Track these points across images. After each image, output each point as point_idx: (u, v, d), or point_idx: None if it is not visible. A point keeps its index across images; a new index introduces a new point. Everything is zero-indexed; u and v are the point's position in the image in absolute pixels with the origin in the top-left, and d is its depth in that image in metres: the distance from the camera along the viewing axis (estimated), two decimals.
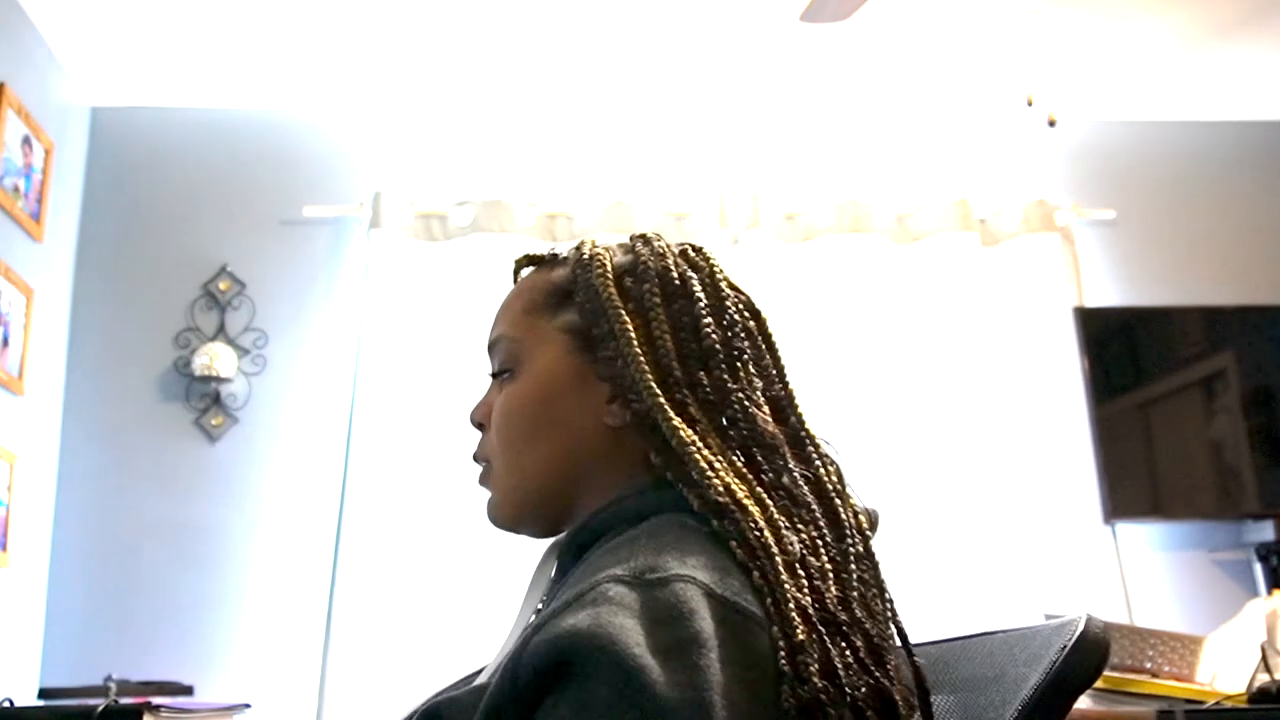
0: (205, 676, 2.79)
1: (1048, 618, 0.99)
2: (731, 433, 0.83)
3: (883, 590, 0.81)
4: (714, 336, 0.85)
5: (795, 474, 0.82)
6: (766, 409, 0.86)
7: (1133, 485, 3.09)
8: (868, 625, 0.75)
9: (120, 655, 2.83)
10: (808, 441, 0.87)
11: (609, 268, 0.88)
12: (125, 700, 2.17)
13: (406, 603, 2.90)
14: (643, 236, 0.93)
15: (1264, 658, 1.89)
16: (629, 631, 0.66)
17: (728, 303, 0.89)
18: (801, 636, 0.69)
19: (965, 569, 3.02)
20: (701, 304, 0.87)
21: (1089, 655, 0.84)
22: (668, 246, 0.91)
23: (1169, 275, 3.38)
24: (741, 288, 0.93)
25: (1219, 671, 2.00)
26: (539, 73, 3.19)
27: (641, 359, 0.83)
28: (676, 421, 0.80)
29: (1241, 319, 3.26)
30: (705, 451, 0.80)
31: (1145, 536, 3.16)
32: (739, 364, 0.86)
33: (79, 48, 3.04)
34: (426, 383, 3.02)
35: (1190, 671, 2.00)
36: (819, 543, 0.78)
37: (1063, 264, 3.30)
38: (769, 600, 0.71)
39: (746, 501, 0.77)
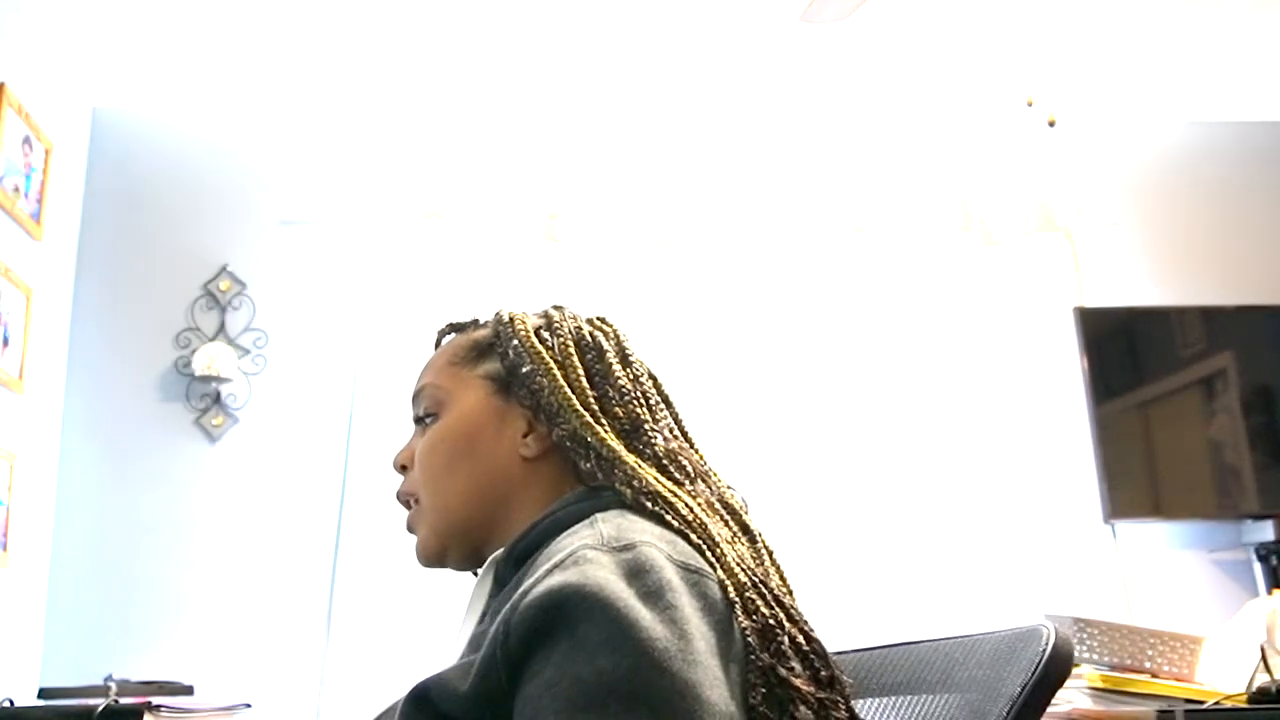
0: (205, 676, 2.79)
1: (1048, 618, 1.00)
2: (645, 455, 0.93)
3: (790, 591, 0.90)
4: (624, 380, 0.97)
5: (706, 493, 0.93)
6: (672, 440, 0.97)
7: (1133, 485, 3.09)
8: (787, 601, 0.86)
9: (120, 655, 2.83)
10: (709, 476, 0.97)
11: (528, 324, 1.00)
12: (125, 700, 2.17)
13: (406, 603, 2.90)
14: (555, 305, 1.05)
15: (1264, 658, 1.89)
16: (613, 582, 0.74)
17: (632, 359, 1.01)
18: (744, 579, 0.82)
19: (965, 569, 3.02)
20: (610, 354, 0.99)
21: (1063, 656, 0.87)
22: (575, 315, 1.04)
23: (1169, 275, 3.38)
24: (641, 358, 1.03)
25: (1219, 671, 2.00)
26: (539, 75, 3.19)
27: (565, 387, 0.95)
28: (603, 433, 0.92)
29: (1241, 319, 3.26)
30: (630, 456, 0.91)
31: (1145, 536, 3.16)
32: (645, 404, 0.97)
33: (79, 48, 3.04)
34: None
35: (1190, 671, 2.00)
36: (736, 538, 0.89)
37: (1063, 264, 3.30)
38: (710, 557, 0.82)
39: (671, 494, 0.88)
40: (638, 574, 0.76)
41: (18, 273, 2.82)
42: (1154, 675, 1.98)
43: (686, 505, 0.87)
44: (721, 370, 3.12)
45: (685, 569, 0.79)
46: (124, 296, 3.16)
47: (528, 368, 0.97)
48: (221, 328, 3.14)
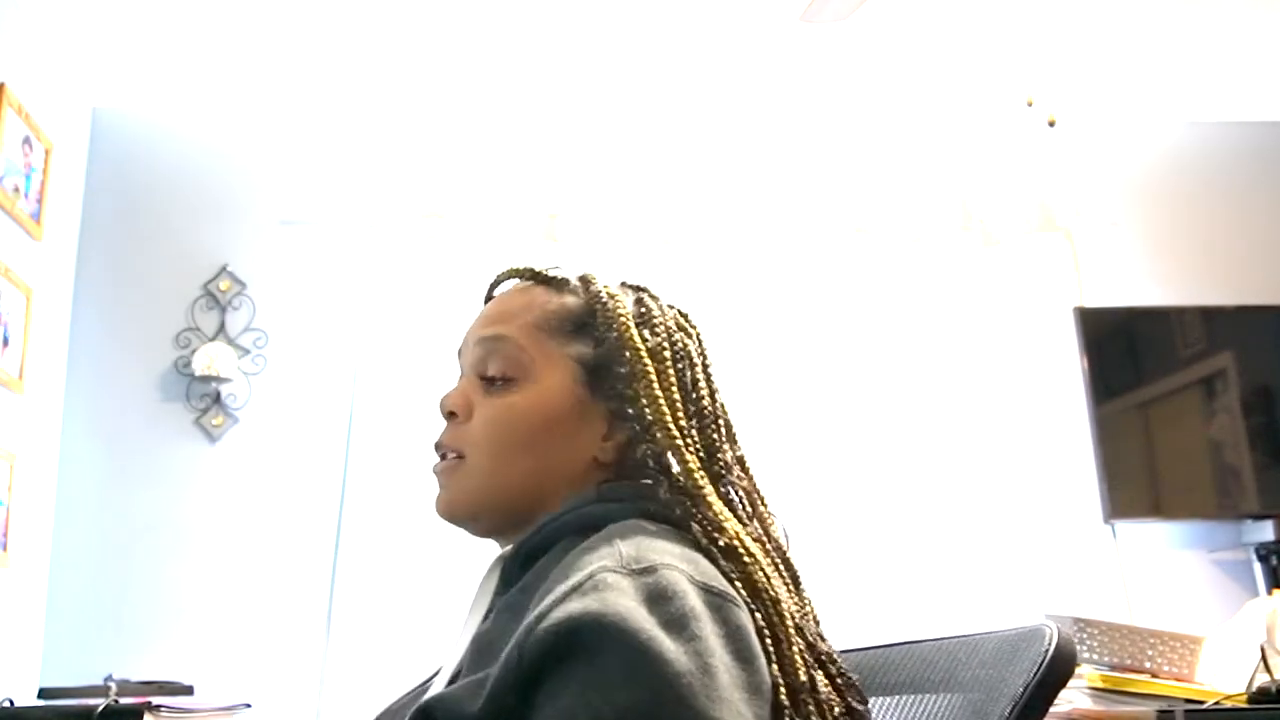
0: (205, 676, 2.79)
1: (1049, 618, 0.99)
2: (722, 485, 0.89)
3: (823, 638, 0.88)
4: (706, 401, 0.92)
5: (758, 529, 0.89)
6: (737, 469, 0.93)
7: (1133, 485, 3.09)
8: (839, 663, 0.84)
9: (120, 655, 2.83)
10: (761, 500, 0.93)
11: (629, 313, 0.93)
12: (125, 700, 2.17)
13: (406, 602, 2.90)
14: (642, 289, 0.98)
15: (1264, 658, 1.89)
16: (635, 611, 0.70)
17: (711, 371, 0.96)
18: (804, 678, 0.78)
19: (965, 569, 3.02)
20: (699, 369, 0.93)
21: (1066, 658, 0.87)
22: (668, 307, 0.97)
23: (1169, 275, 3.38)
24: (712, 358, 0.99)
25: (1219, 671, 2.00)
26: (539, 75, 3.19)
27: (661, 400, 0.88)
28: (693, 464, 0.86)
29: (1241, 319, 3.26)
30: (714, 496, 0.86)
31: (1145, 536, 3.16)
32: (723, 427, 0.93)
33: (79, 48, 3.04)
34: (426, 382, 3.02)
35: (1190, 671, 2.00)
36: (779, 576, 0.86)
37: (1063, 264, 3.30)
38: (773, 644, 0.78)
39: (754, 547, 0.83)
40: (660, 600, 0.72)
41: (18, 273, 2.82)
42: (1154, 675, 1.98)
43: (763, 570, 0.83)
44: (721, 371, 3.11)
45: (708, 591, 0.75)
46: (124, 296, 3.16)
47: (624, 368, 0.90)
48: (221, 328, 3.14)
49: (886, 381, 3.17)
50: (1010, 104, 3.31)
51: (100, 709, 2.07)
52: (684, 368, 0.92)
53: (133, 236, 3.20)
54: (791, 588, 0.87)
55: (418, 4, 2.87)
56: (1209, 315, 3.25)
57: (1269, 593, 2.84)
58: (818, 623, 0.88)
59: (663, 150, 3.34)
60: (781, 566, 0.87)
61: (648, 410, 0.88)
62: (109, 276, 3.17)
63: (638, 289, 0.98)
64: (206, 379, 3.05)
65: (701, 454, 0.88)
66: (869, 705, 0.85)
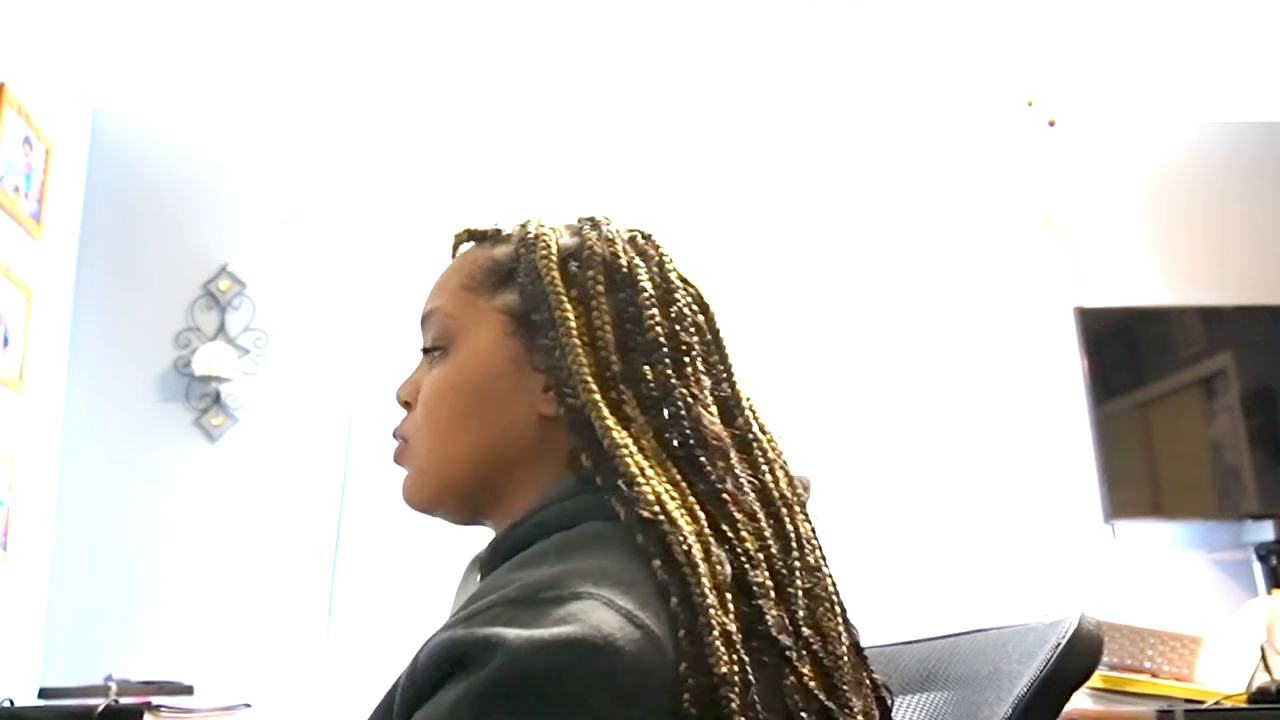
0: (205, 676, 2.79)
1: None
2: (671, 433, 0.76)
3: (834, 604, 0.77)
4: (659, 329, 0.80)
5: (741, 479, 0.76)
6: (714, 408, 0.80)
7: (1133, 485, 3.09)
8: (815, 646, 0.72)
9: (120, 655, 2.83)
10: (755, 445, 0.80)
11: (554, 250, 0.83)
12: (125, 700, 2.17)
13: (406, 603, 2.90)
14: (591, 219, 0.88)
15: (1264, 658, 1.89)
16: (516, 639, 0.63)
17: (676, 294, 0.83)
18: (724, 669, 0.64)
19: (966, 569, 3.02)
20: (647, 294, 0.81)
21: (1083, 652, 0.84)
22: (617, 231, 0.86)
23: (1169, 275, 3.38)
24: (692, 280, 0.87)
25: (1219, 671, 2.00)
26: (539, 76, 3.19)
27: (580, 350, 0.77)
28: (610, 421, 0.75)
29: (1241, 319, 3.26)
30: (638, 455, 0.74)
31: (1145, 536, 3.16)
32: (685, 359, 0.80)
33: (79, 48, 3.04)
34: None
35: (1190, 671, 2.00)
36: (762, 555, 0.72)
37: (1063, 264, 3.30)
38: (685, 630, 0.65)
39: (677, 513, 0.71)
40: (543, 621, 0.63)
41: (18, 273, 2.82)
42: (1154, 675, 1.97)
43: (684, 540, 0.69)
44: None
45: (632, 622, 0.64)
46: (124, 296, 3.16)
47: (543, 313, 0.80)
48: (221, 328, 3.14)
49: (886, 381, 3.17)
50: (1010, 104, 3.30)
51: (100, 709, 2.07)
52: (626, 298, 0.80)
53: (133, 236, 3.20)
54: (781, 551, 0.74)
55: (418, 5, 2.87)
56: (1209, 315, 3.25)
57: (1269, 593, 2.83)
58: (834, 603, 0.76)
59: (663, 151, 3.34)
60: (770, 524, 0.75)
61: (565, 359, 0.77)
62: (109, 276, 3.17)
63: (586, 219, 0.88)
64: (206, 379, 3.05)
65: (654, 393, 0.77)
66: (858, 703, 0.74)
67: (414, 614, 2.88)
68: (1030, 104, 2.73)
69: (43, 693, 2.38)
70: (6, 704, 2.17)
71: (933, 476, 3.11)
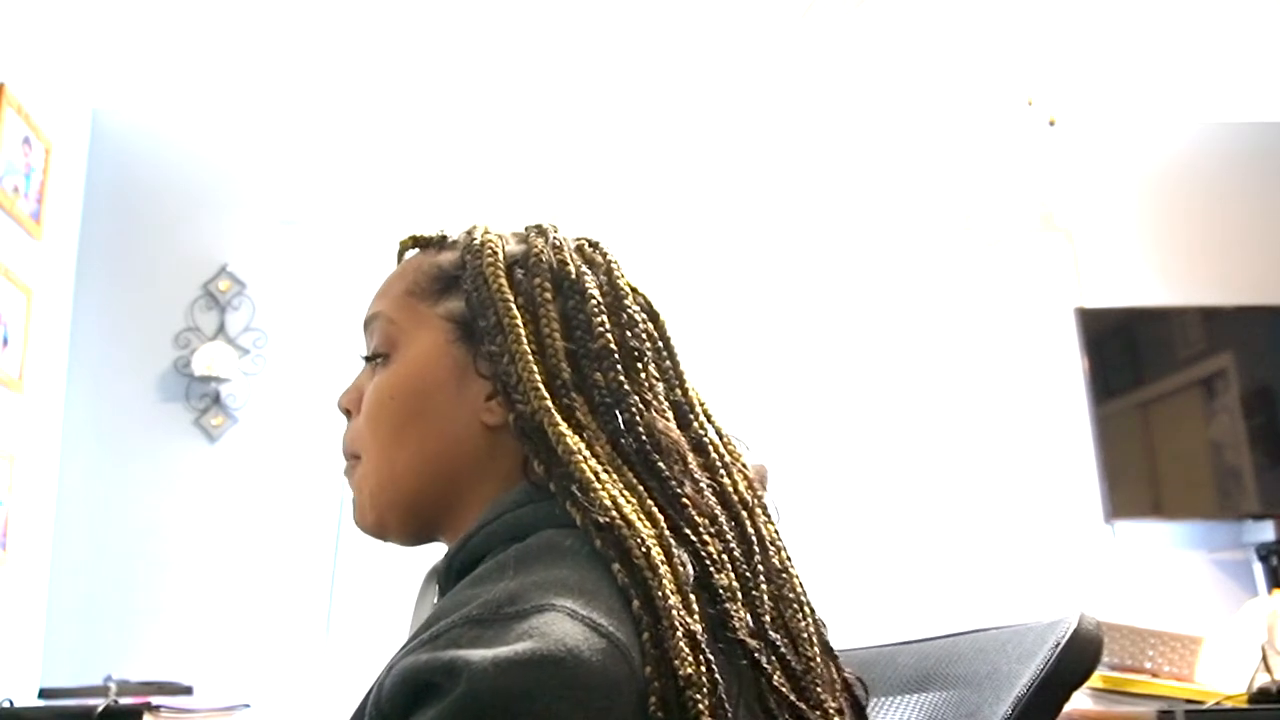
0: (205, 676, 2.79)
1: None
2: (626, 439, 0.75)
3: (803, 605, 0.76)
4: (608, 335, 0.79)
5: (700, 483, 0.76)
6: (669, 413, 0.79)
7: (1133, 485, 3.09)
8: (783, 648, 0.71)
9: (120, 655, 2.83)
10: (712, 449, 0.80)
11: (500, 256, 0.82)
12: (125, 700, 2.17)
13: (406, 603, 2.90)
14: (538, 226, 0.87)
15: (1264, 658, 1.89)
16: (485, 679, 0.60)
17: (625, 301, 0.82)
18: (689, 670, 0.63)
19: (966, 569, 3.02)
20: (595, 301, 0.80)
21: (1083, 652, 0.83)
22: (564, 239, 0.85)
23: (1169, 275, 3.38)
24: (640, 288, 0.86)
25: (1219, 671, 2.00)
26: (539, 77, 3.19)
27: (529, 357, 0.76)
28: (563, 427, 0.74)
29: (1241, 319, 3.26)
30: (591, 461, 0.73)
31: (1145, 536, 3.16)
32: (636, 365, 0.79)
33: (79, 48, 3.04)
34: None
35: (1190, 671, 2.00)
36: (725, 558, 0.72)
37: (1063, 264, 3.30)
38: (649, 634, 0.64)
39: (634, 517, 0.70)
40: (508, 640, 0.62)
41: (18, 273, 2.82)
42: (1154, 675, 1.97)
43: (643, 543, 0.68)
44: (720, 372, 3.11)
45: (595, 631, 0.63)
46: (124, 296, 3.16)
47: (489, 319, 0.79)
48: (221, 328, 3.14)
49: (886, 381, 3.17)
50: (1010, 104, 3.31)
51: (100, 709, 2.07)
52: (574, 305, 0.79)
53: (133, 236, 3.20)
54: (744, 554, 0.73)
55: (417, 5, 2.87)
56: (1209, 315, 3.25)
57: (1269, 593, 2.83)
58: (802, 604, 0.76)
59: (663, 152, 3.34)
60: (731, 527, 0.74)
61: (513, 366, 0.76)
62: (109, 276, 3.17)
63: (533, 227, 0.87)
64: (206, 379, 3.05)
65: (606, 399, 0.76)
66: (834, 702, 0.73)
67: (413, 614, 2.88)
68: (1030, 104, 2.73)
69: (42, 693, 2.38)
70: (6, 704, 2.17)
71: (933, 476, 3.11)
